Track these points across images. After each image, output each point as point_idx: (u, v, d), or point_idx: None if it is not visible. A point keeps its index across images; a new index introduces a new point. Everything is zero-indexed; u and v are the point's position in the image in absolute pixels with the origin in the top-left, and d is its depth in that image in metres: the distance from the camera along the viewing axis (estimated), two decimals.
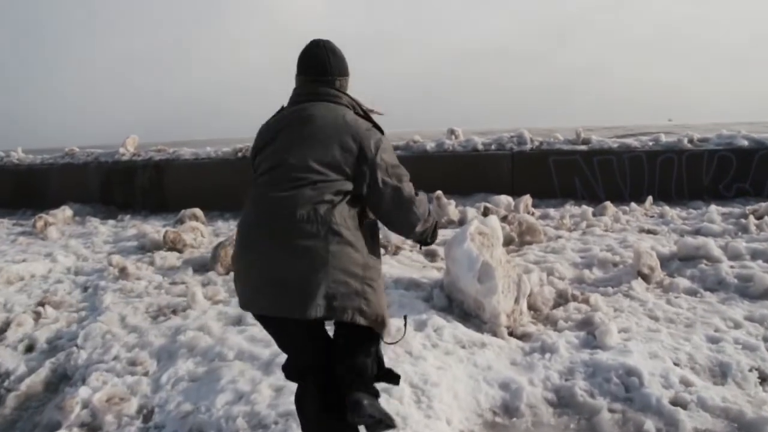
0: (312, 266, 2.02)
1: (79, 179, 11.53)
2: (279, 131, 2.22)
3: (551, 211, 7.42)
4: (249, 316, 4.18)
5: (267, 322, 2.24)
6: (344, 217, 2.11)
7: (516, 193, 8.67)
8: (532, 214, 7.12)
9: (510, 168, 8.83)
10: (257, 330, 3.89)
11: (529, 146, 8.95)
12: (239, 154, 10.24)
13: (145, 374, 3.55)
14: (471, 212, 6.90)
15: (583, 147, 8.77)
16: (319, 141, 2.13)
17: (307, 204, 2.06)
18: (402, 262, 5.18)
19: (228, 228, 8.47)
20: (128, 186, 11.09)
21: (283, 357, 2.43)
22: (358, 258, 2.11)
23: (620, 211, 7.08)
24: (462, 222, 6.80)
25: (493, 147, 9.03)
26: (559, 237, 6.01)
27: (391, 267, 4.91)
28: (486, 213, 6.89)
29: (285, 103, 2.35)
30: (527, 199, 7.12)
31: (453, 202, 6.92)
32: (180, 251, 6.71)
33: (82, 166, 11.58)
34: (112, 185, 11.25)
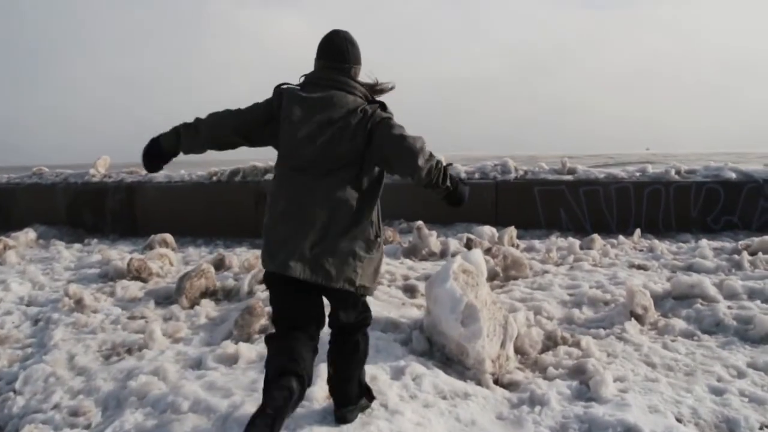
0: (317, 241, 2.44)
1: (46, 200, 11.08)
2: (303, 118, 2.49)
3: (536, 243, 7.15)
4: (209, 359, 3.82)
5: (277, 281, 2.57)
6: (355, 200, 2.48)
7: (499, 224, 8.41)
8: (517, 246, 6.84)
9: (493, 197, 8.58)
10: (217, 375, 3.52)
11: (513, 175, 8.73)
12: (214, 178, 9.89)
13: (87, 427, 3.14)
14: (453, 244, 6.60)
15: (569, 177, 8.57)
16: (338, 134, 2.46)
17: (325, 190, 2.45)
18: (379, 298, 4.83)
19: (199, 255, 8.08)
20: (98, 209, 10.66)
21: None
22: (358, 241, 2.50)
23: (608, 245, 6.83)
24: (444, 254, 6.50)
25: (476, 176, 8.78)
26: (546, 272, 5.72)
27: None
28: (469, 245, 6.60)
29: (304, 77, 2.61)
30: (512, 231, 6.84)
31: (434, 233, 6.61)
32: (145, 281, 6.30)
33: (50, 187, 11.13)
34: (80, 207, 10.81)
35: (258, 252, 8.01)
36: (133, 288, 5.78)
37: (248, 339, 4.16)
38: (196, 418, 3.03)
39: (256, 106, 2.63)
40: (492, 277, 5.47)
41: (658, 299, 4.71)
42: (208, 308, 5.03)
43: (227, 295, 5.52)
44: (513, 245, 6.78)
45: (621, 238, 7.14)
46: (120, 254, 7.80)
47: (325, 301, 2.72)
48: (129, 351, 4.17)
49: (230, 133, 2.61)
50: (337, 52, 2.58)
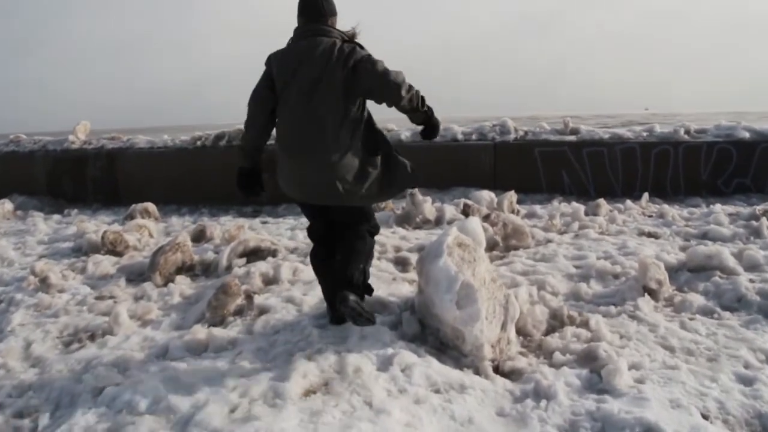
0: (326, 172, 2.90)
1: (24, 169, 10.59)
2: (295, 69, 2.97)
3: (538, 209, 6.72)
4: (177, 346, 3.43)
5: (300, 203, 3.27)
6: (347, 133, 2.93)
7: (498, 187, 7.99)
8: (517, 212, 6.41)
9: (492, 160, 8.12)
10: (183, 367, 3.12)
11: (513, 136, 8.25)
12: (198, 143, 9.39)
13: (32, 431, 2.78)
14: (449, 210, 6.17)
15: (572, 137, 8.10)
16: (322, 69, 2.90)
17: (316, 129, 2.90)
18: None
19: (182, 225, 7.65)
20: (78, 177, 10.19)
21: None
22: (354, 161, 2.95)
23: (615, 210, 6.41)
24: (439, 221, 6.08)
25: (473, 137, 8.30)
26: (549, 241, 5.30)
27: None
28: (466, 211, 6.18)
29: (291, 38, 3.11)
30: (512, 196, 6.41)
31: (429, 199, 6.18)
32: (120, 254, 5.90)
33: (28, 155, 10.63)
34: (60, 176, 10.34)
35: (241, 221, 7.60)
36: (106, 264, 5.37)
37: (222, 322, 3.77)
38: (153, 421, 2.65)
39: (262, 86, 3.12)
40: (491, 246, 5.06)
41: (673, 271, 4.31)
42: (183, 285, 4.63)
43: (206, 270, 5.12)
44: (513, 211, 6.36)
45: (628, 202, 6.71)
46: (98, 226, 7.40)
47: None
48: (92, 337, 3.78)
49: (268, 107, 3.12)
50: (314, 7, 3.05)
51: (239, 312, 3.86)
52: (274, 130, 3.14)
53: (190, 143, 9.49)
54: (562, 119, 8.42)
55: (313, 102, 2.91)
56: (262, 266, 4.52)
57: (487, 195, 6.54)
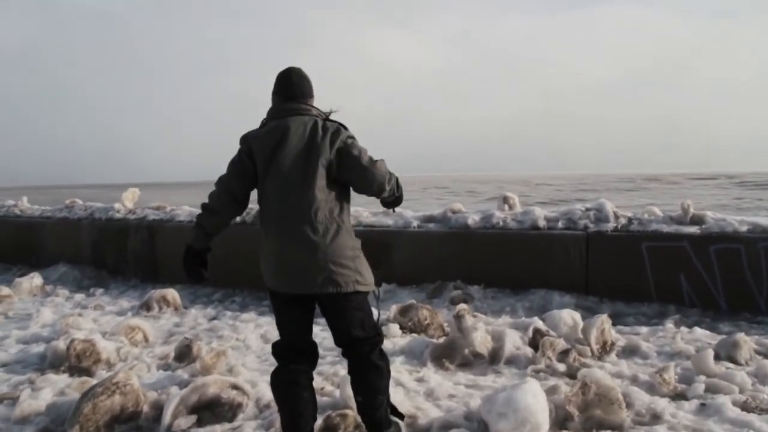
0: (316, 255, 2.72)
1: (73, 237, 10.03)
2: (274, 149, 2.83)
3: (642, 340, 4.72)
4: None
5: (282, 299, 2.87)
6: (335, 213, 2.82)
7: (591, 292, 6.16)
8: (611, 346, 4.51)
9: (584, 255, 6.23)
10: None
11: (612, 225, 6.33)
12: (237, 219, 8.23)
13: None
14: (512, 339, 4.39)
15: (694, 229, 6.06)
16: (304, 153, 2.81)
17: (307, 209, 2.76)
18: None
19: (195, 322, 6.41)
20: (120, 249, 9.41)
21: None
22: (349, 242, 2.83)
23: (763, 350, 4.35)
24: (495, 357, 4.32)
25: (560, 224, 6.47)
26: (656, 417, 3.35)
27: None
28: (535, 341, 4.40)
29: (265, 118, 3.01)
30: (603, 323, 4.51)
31: (481, 326, 4.40)
32: (86, 372, 4.69)
33: (76, 222, 10.05)
34: (103, 246, 9.61)
35: (262, 321, 6.24)
36: (44, 395, 4.12)
37: None
38: None
39: (237, 164, 2.94)
40: (560, 422, 3.26)
41: None
42: None
43: (156, 419, 3.71)
44: (605, 345, 4.47)
45: None
46: (96, 320, 6.35)
47: None
48: None
49: (238, 197, 2.95)
50: (291, 88, 2.98)
51: None
52: (257, 212, 3.05)
53: None
54: (680, 204, 6.41)
55: (301, 181, 2.80)
56: None
57: (568, 317, 4.70)
